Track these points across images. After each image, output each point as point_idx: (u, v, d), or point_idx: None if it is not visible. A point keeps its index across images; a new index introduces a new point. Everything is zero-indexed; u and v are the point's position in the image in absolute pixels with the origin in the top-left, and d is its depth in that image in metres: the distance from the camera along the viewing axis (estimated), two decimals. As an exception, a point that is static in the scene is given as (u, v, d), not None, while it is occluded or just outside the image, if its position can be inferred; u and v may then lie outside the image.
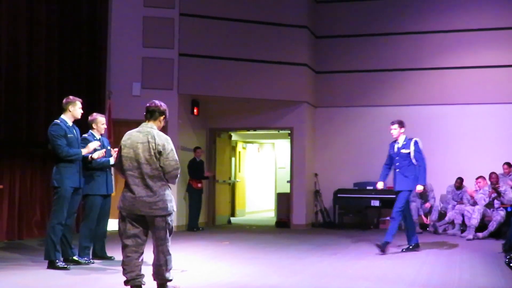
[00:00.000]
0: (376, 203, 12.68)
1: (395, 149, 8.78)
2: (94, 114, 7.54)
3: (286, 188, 14.11)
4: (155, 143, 4.95)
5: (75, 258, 7.03)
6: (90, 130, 7.45)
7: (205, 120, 13.48)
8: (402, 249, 8.81)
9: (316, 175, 13.59)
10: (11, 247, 8.65)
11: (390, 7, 13.62)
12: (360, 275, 6.73)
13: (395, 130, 8.79)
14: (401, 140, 8.77)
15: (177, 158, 5.06)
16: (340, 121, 13.78)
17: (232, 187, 15.43)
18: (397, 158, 8.73)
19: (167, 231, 5.01)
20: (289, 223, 13.17)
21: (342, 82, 13.82)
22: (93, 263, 7.19)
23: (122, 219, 5.04)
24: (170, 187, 5.09)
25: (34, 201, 9.82)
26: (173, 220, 5.11)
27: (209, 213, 13.49)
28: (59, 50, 10.31)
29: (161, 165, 4.94)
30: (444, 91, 13.15)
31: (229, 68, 12.55)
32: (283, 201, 13.85)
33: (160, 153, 4.95)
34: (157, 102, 5.24)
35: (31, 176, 9.78)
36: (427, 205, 12.05)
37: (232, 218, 14.85)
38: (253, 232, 12.18)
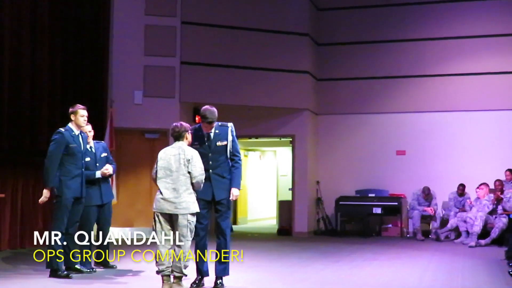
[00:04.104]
0: (378, 210, 12.65)
1: (206, 142, 6.19)
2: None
3: (288, 196, 14.09)
4: (184, 154, 5.86)
5: (77, 267, 7.01)
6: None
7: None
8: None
9: (318, 182, 13.57)
10: (14, 256, 8.63)
11: (392, 14, 13.63)
12: (363, 282, 6.72)
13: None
14: (213, 129, 6.16)
15: (202, 167, 5.90)
16: (342, 129, 13.76)
17: (234, 194, 15.36)
18: (210, 155, 6.14)
19: (189, 229, 5.80)
20: (291, 231, 13.13)
21: (343, 89, 13.82)
22: (95, 271, 7.17)
23: (155, 219, 5.85)
24: (193, 193, 5.88)
25: (37, 210, 9.79)
26: (194, 222, 5.87)
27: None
28: (61, 59, 10.31)
29: (189, 170, 5.82)
30: (447, 97, 13.13)
31: (230, 76, 12.57)
32: (285, 208, 13.82)
33: (188, 161, 5.83)
34: (177, 127, 5.98)
35: (33, 185, 9.75)
36: (431, 210, 11.99)
37: (234, 226, 14.77)
38: (255, 239, 12.16)
